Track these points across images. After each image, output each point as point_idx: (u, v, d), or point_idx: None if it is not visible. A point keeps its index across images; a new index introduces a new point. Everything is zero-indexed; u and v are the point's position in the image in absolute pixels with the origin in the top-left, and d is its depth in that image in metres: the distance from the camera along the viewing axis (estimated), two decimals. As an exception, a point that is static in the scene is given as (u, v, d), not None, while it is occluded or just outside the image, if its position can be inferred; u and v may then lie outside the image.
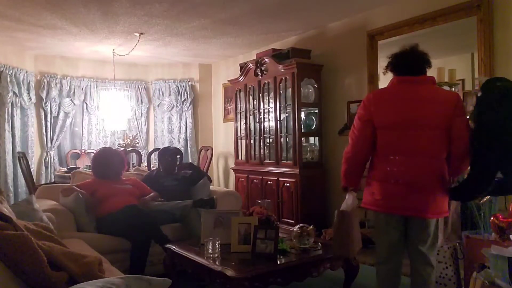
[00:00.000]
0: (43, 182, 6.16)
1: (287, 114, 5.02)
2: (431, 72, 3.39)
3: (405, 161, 2.16)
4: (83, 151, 6.63)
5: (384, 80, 4.49)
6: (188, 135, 7.22)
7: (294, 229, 2.77)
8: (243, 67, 5.59)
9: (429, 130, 2.15)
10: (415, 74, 2.24)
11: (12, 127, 5.86)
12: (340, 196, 4.77)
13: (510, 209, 2.59)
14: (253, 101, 5.46)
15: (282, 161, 4.97)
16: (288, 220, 4.72)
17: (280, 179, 4.91)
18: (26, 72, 6.12)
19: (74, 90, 6.68)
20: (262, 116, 5.33)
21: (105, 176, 3.69)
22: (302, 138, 4.87)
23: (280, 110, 5.00)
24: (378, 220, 2.30)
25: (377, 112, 2.25)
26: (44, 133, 6.44)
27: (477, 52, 3.55)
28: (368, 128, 2.28)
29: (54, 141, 6.53)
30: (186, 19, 4.67)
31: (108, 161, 3.75)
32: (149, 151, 6.18)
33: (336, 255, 2.60)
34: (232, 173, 6.17)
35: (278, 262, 2.50)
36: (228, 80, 6.20)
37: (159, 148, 4.66)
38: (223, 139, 7.06)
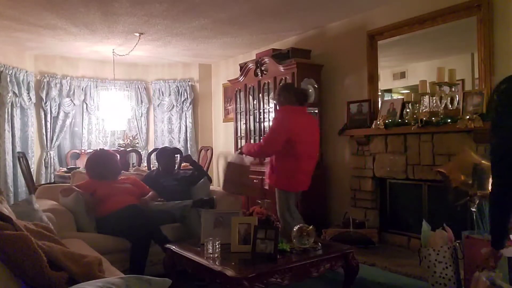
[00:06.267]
0: (43, 182, 6.16)
1: (287, 114, 5.01)
2: (432, 72, 3.79)
3: (308, 162, 3.58)
4: (83, 151, 6.62)
5: (384, 80, 4.51)
6: (188, 135, 7.22)
7: (294, 229, 2.77)
8: (243, 67, 5.59)
9: (315, 143, 3.75)
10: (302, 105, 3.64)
11: (12, 127, 5.86)
12: (340, 195, 4.79)
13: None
14: (253, 101, 5.46)
15: (282, 161, 4.97)
16: (288, 220, 4.71)
17: (280, 179, 4.91)
18: (26, 72, 6.12)
19: (74, 90, 6.68)
20: (262, 116, 5.32)
21: (104, 177, 3.66)
22: (302, 138, 4.86)
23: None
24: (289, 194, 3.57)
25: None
26: (44, 133, 6.44)
27: (477, 52, 3.55)
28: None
29: (54, 141, 6.53)
30: (186, 19, 4.67)
31: (106, 163, 3.72)
32: (149, 151, 6.17)
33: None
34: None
35: (278, 262, 2.50)
36: (228, 80, 6.20)
37: (158, 148, 4.64)
38: (223, 139, 7.06)
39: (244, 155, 3.70)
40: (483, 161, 2.66)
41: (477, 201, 2.63)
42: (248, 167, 3.78)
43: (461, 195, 2.71)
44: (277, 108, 3.75)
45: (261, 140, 3.87)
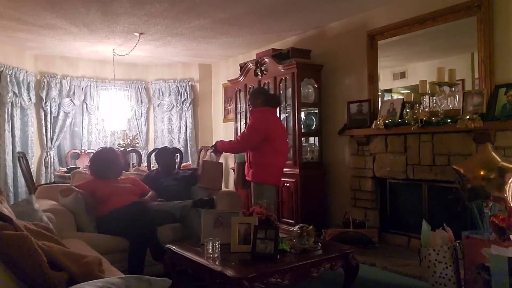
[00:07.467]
0: (43, 182, 6.15)
1: (287, 114, 5.02)
2: (432, 72, 3.82)
3: (282, 157, 3.95)
4: (83, 151, 6.62)
5: (384, 80, 4.51)
6: (188, 135, 7.21)
7: (294, 229, 2.77)
8: (243, 67, 5.59)
9: (286, 141, 4.11)
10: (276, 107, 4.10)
11: (12, 127, 5.86)
12: (340, 195, 4.79)
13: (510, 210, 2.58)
14: (253, 101, 5.46)
15: (282, 161, 4.97)
16: (288, 220, 4.71)
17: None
18: (26, 72, 6.12)
19: (74, 90, 6.68)
20: (262, 116, 5.31)
21: (105, 176, 3.66)
22: (302, 138, 4.87)
23: (280, 110, 4.99)
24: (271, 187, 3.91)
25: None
26: (44, 133, 6.44)
27: (477, 52, 3.55)
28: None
29: (54, 141, 6.53)
30: (186, 19, 4.67)
31: (111, 162, 3.72)
32: (149, 151, 6.16)
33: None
34: (232, 173, 6.16)
35: (278, 262, 2.50)
36: (228, 80, 6.20)
37: (158, 148, 4.63)
38: (223, 139, 7.04)
39: (215, 154, 4.01)
40: (503, 162, 2.61)
41: (491, 203, 2.59)
42: (220, 164, 4.11)
43: (476, 195, 2.65)
44: (251, 109, 4.08)
45: (238, 137, 4.37)
